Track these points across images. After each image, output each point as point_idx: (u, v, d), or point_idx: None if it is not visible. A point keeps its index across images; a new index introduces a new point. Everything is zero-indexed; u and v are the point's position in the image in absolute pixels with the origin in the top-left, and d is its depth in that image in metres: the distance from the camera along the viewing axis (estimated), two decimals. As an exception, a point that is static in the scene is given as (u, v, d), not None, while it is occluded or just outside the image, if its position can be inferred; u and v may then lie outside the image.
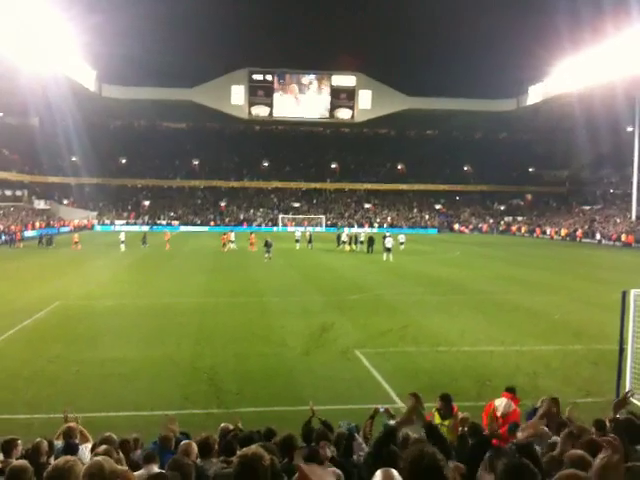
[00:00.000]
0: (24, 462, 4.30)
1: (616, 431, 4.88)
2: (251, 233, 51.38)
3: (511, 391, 8.96)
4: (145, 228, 74.23)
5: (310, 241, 50.36)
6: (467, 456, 4.86)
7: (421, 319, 20.02)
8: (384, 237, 42.96)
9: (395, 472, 3.06)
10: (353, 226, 79.74)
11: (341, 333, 17.67)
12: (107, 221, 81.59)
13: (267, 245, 39.78)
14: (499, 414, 8.39)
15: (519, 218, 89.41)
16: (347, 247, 48.40)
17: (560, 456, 4.44)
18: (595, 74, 63.02)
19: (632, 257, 47.63)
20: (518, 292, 26.53)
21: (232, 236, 48.91)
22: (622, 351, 11.51)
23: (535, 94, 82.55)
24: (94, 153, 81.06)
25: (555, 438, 5.72)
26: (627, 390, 8.31)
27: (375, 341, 16.78)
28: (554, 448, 5.10)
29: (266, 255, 39.38)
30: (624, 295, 11.72)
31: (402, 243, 48.40)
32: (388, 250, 40.68)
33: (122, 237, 46.99)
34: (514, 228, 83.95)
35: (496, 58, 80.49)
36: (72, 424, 6.97)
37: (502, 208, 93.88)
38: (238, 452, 4.07)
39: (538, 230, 78.79)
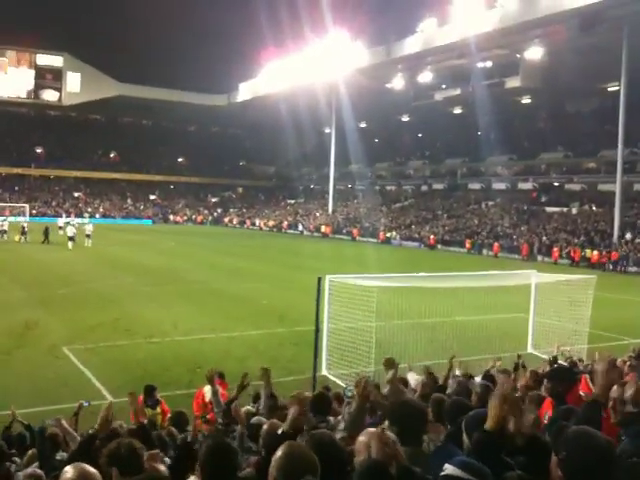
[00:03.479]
0: None
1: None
2: None
3: (220, 376, 9.43)
4: None
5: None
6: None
7: (134, 310, 19.79)
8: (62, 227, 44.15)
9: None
10: (61, 215, 74.32)
11: (47, 330, 16.61)
12: None
13: None
14: (208, 400, 8.80)
15: (231, 210, 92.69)
16: (16, 237, 44.35)
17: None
18: (299, 77, 68.04)
19: (329, 246, 52.78)
20: (229, 280, 27.74)
21: None
22: (318, 331, 12.85)
23: (245, 91, 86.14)
24: None
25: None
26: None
27: (85, 336, 16.12)
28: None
29: None
30: (319, 281, 13.09)
31: (88, 235, 43.61)
32: (71, 239, 41.16)
33: None
34: (227, 219, 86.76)
35: (211, 53, 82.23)
36: None
37: (215, 200, 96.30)
38: None
39: (248, 221, 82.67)
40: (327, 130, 78.02)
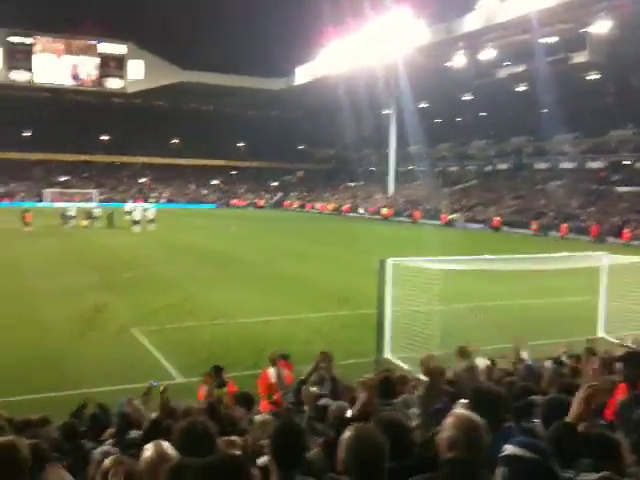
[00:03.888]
0: None
1: None
2: (26, 211, 44.10)
3: (284, 357, 9.50)
4: None
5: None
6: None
7: (198, 293, 20.15)
8: (128, 212, 45.58)
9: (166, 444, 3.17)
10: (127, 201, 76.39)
11: (116, 312, 17.10)
12: None
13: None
14: (273, 381, 8.87)
15: (291, 193, 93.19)
16: (83, 222, 45.94)
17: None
18: (358, 58, 67.49)
19: (389, 229, 52.44)
20: (290, 263, 27.88)
21: None
22: (380, 314, 12.77)
23: (303, 74, 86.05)
24: None
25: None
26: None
27: (152, 318, 16.52)
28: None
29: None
30: (382, 263, 12.98)
31: (152, 220, 44.83)
32: (136, 223, 42.77)
33: None
34: (287, 203, 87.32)
35: (270, 37, 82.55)
36: None
37: (275, 184, 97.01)
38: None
39: (308, 205, 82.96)
40: (386, 111, 77.22)
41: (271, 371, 8.97)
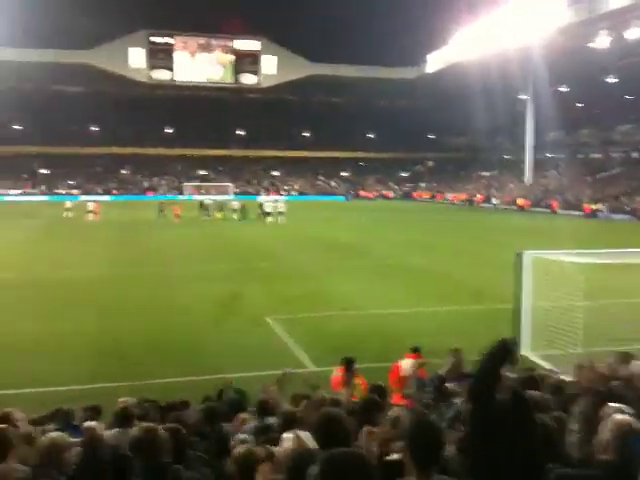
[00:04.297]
0: None
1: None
2: (174, 204, 48.31)
3: (416, 351, 9.33)
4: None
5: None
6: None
7: (328, 284, 20.38)
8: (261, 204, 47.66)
9: (306, 434, 3.16)
10: (261, 193, 79.11)
11: (250, 300, 17.69)
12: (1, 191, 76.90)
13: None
14: (404, 374, 8.74)
15: (421, 184, 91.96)
16: (218, 214, 48.07)
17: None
18: (491, 43, 65.21)
19: (526, 220, 50.23)
20: (420, 255, 27.42)
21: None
22: (517, 310, 12.21)
23: (433, 62, 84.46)
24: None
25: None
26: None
27: (285, 307, 16.92)
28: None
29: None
30: (518, 256, 12.40)
31: (282, 213, 45.79)
32: (268, 214, 44.57)
33: (68, 205, 48.32)
34: (416, 194, 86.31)
35: (399, 26, 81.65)
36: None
37: (405, 175, 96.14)
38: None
39: (439, 196, 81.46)
40: (522, 96, 74.03)
41: (403, 364, 8.86)
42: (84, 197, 73.36)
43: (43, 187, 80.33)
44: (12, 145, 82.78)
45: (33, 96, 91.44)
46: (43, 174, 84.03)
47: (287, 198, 64.26)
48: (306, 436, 3.10)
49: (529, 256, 12.69)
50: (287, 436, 3.08)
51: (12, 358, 12.28)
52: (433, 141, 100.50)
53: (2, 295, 18.30)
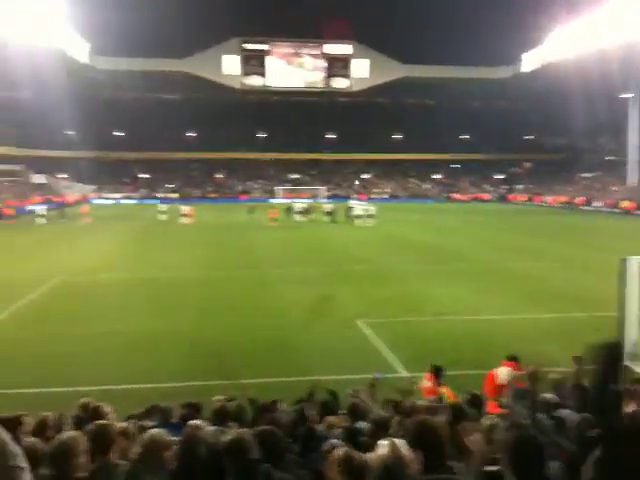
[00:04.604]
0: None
1: None
2: (271, 206, 50.23)
3: (513, 359, 8.96)
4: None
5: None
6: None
7: (420, 288, 20.05)
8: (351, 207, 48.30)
9: (401, 441, 3.06)
10: (350, 197, 79.29)
11: (342, 303, 17.68)
12: (105, 195, 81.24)
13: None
14: (500, 383, 8.41)
15: (518, 186, 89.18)
16: (309, 217, 48.62)
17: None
18: (590, 40, 62.50)
19: (632, 224, 47.58)
20: (517, 260, 26.55)
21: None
22: (622, 319, 11.50)
23: (530, 61, 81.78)
24: (89, 126, 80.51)
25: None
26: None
27: (376, 311, 16.79)
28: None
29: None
30: (623, 262, 11.68)
31: (371, 216, 45.46)
32: (358, 217, 44.72)
33: (163, 208, 50.64)
34: (513, 196, 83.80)
35: (494, 24, 79.46)
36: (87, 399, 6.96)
37: (500, 177, 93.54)
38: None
39: (537, 198, 78.68)
40: (625, 95, 70.29)
41: (500, 372, 8.54)
42: (177, 201, 76.02)
43: (143, 191, 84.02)
44: (114, 151, 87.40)
45: (132, 104, 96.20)
46: (143, 178, 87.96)
47: (376, 201, 63.88)
48: (402, 444, 3.00)
49: (635, 262, 11.94)
50: (382, 443, 2.99)
51: (114, 355, 12.85)
52: (530, 142, 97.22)
53: (105, 296, 19.24)
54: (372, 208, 47.21)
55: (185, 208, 48.04)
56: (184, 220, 46.22)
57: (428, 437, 3.34)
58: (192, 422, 4.66)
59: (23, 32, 54.49)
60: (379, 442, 3.01)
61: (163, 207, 51.18)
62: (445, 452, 3.40)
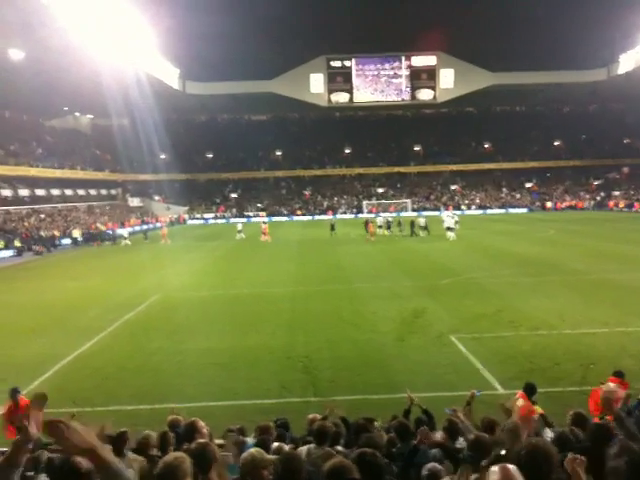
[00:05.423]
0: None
1: None
2: (369, 222, 48.88)
3: (619, 375, 8.54)
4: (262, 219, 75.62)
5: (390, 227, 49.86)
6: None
7: (516, 302, 19.39)
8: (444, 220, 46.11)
9: (514, 468, 2.94)
10: (440, 209, 78.14)
11: (434, 318, 17.39)
12: (198, 215, 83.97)
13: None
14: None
15: (616, 192, 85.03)
16: (384, 232, 47.92)
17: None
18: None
19: None
20: (617, 270, 25.21)
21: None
22: None
23: (627, 62, 78.09)
24: (182, 149, 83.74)
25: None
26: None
27: (470, 326, 16.40)
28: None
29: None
30: None
31: (451, 228, 43.41)
32: (450, 230, 42.70)
33: (239, 227, 51.15)
34: (611, 203, 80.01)
35: (586, 26, 76.51)
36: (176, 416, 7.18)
37: (597, 183, 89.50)
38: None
39: (637, 204, 74.72)
40: None
41: (606, 388, 8.11)
42: (258, 219, 77.12)
43: (234, 210, 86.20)
44: (205, 172, 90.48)
45: (222, 126, 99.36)
46: (233, 198, 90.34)
47: (464, 212, 62.39)
48: (514, 470, 2.87)
49: None
50: (494, 469, 2.88)
51: (211, 371, 13.20)
52: (629, 146, 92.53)
53: (201, 313, 19.84)
54: (455, 219, 46.45)
55: (263, 226, 48.44)
56: (262, 238, 46.60)
57: (540, 462, 3.21)
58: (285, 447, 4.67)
59: (119, 60, 57.24)
60: (492, 468, 2.91)
61: (239, 226, 51.64)
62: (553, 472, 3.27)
